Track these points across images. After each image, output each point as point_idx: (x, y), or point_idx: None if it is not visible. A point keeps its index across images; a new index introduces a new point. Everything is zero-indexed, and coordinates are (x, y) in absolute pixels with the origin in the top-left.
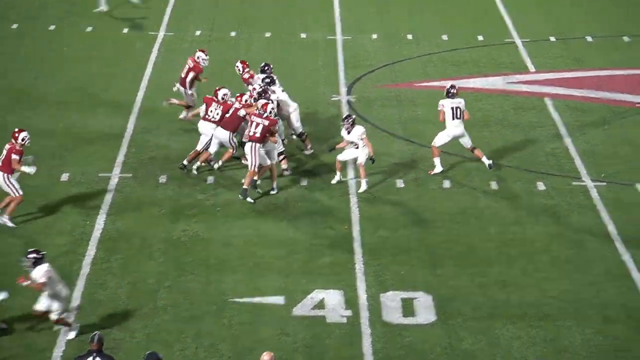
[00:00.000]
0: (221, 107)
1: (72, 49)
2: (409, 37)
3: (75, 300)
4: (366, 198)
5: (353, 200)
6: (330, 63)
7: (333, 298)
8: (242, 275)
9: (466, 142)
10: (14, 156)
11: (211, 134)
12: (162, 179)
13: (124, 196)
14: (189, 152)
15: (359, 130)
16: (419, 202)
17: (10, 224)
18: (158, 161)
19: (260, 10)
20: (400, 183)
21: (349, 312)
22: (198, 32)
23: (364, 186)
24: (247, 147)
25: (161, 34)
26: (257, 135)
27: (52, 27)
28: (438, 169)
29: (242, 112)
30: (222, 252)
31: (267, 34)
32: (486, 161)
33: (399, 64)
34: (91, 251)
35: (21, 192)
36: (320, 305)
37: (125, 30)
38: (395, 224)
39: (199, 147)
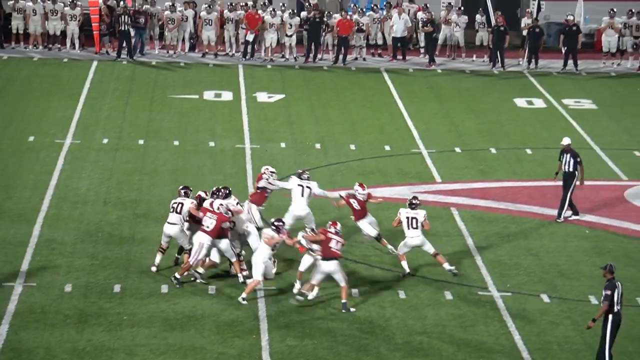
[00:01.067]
0: (216, 217)
1: None
2: (317, 146)
3: None
4: (275, 307)
5: (261, 308)
6: (239, 172)
7: None
8: None
9: (428, 248)
10: None
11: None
12: (68, 287)
13: (27, 306)
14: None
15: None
16: (327, 310)
17: None
18: (63, 269)
19: (166, 120)
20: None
21: None
22: (105, 140)
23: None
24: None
25: (67, 141)
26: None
27: None
28: (406, 269)
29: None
30: None
31: (175, 142)
32: (448, 267)
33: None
34: None
35: None
36: None
37: (31, 139)
38: (303, 333)
39: (192, 260)
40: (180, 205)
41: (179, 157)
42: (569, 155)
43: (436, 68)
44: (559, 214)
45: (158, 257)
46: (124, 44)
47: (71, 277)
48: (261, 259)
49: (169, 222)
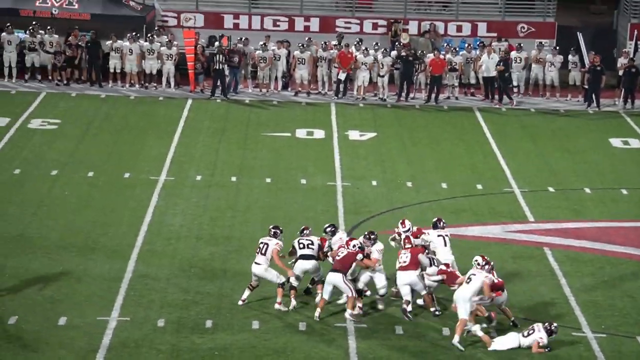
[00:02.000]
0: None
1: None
2: (409, 184)
3: None
4: (366, 344)
5: (352, 345)
6: (331, 209)
7: None
8: None
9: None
10: None
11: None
12: (160, 322)
13: (121, 340)
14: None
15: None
16: (420, 343)
17: None
18: (156, 304)
19: (259, 158)
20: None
21: None
22: (199, 177)
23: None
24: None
25: (162, 178)
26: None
27: (54, 172)
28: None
29: (359, 256)
30: None
31: (268, 180)
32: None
33: (398, 210)
34: None
35: None
36: None
37: (127, 175)
38: None
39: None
40: (265, 245)
41: (271, 195)
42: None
43: (501, 107)
44: None
45: (246, 293)
46: (219, 83)
47: (164, 312)
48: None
49: (255, 262)
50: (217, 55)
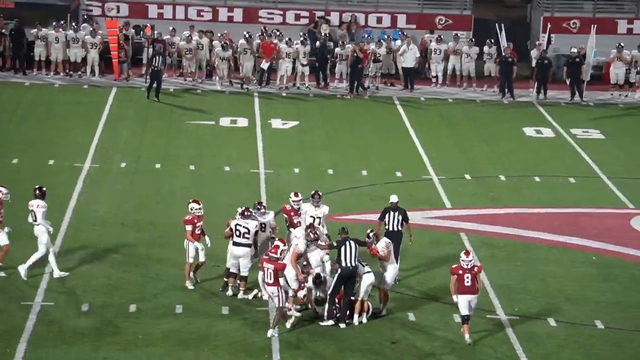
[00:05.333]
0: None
1: None
2: (330, 172)
3: None
4: (286, 328)
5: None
6: (254, 196)
7: None
8: None
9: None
10: None
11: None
12: (84, 307)
13: (44, 324)
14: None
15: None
16: (336, 331)
17: None
18: (80, 289)
19: (183, 146)
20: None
21: None
22: (123, 165)
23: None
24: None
25: (86, 165)
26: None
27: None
28: None
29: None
30: None
31: (192, 167)
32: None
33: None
34: None
35: None
36: None
37: (51, 162)
38: (313, 353)
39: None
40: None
41: (195, 182)
42: (396, 214)
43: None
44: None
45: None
46: (154, 85)
47: (88, 296)
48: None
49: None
50: (156, 57)
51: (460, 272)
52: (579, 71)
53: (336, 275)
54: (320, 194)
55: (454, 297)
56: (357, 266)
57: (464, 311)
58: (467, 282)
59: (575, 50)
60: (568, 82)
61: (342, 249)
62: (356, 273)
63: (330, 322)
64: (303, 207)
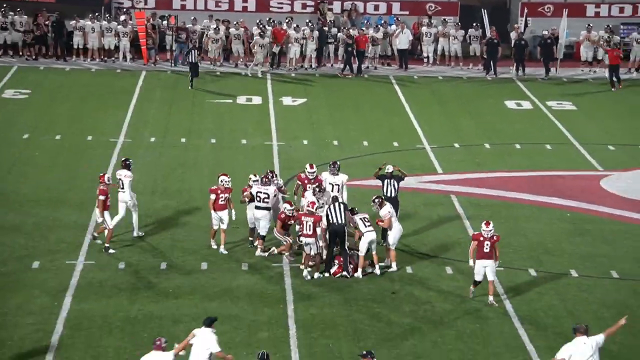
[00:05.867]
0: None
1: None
2: (335, 143)
3: None
4: (300, 281)
5: (287, 281)
6: (268, 165)
7: None
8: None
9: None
10: None
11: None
12: (121, 265)
13: (87, 280)
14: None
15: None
16: (343, 283)
17: None
18: (117, 249)
19: (205, 122)
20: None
21: None
22: (152, 139)
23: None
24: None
25: (120, 140)
26: None
27: (25, 136)
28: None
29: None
30: (173, 329)
31: (213, 140)
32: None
33: (325, 166)
34: (59, 328)
35: None
36: None
37: (89, 138)
38: (323, 303)
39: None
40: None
41: (216, 153)
42: (392, 181)
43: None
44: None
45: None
46: (190, 76)
47: (124, 256)
48: None
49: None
50: (192, 51)
51: (481, 238)
52: (551, 50)
53: (327, 232)
54: (338, 163)
55: (470, 262)
56: (344, 224)
57: (478, 277)
58: (486, 248)
59: (547, 32)
60: (542, 60)
61: (331, 208)
62: (344, 230)
63: (332, 271)
64: (323, 175)
